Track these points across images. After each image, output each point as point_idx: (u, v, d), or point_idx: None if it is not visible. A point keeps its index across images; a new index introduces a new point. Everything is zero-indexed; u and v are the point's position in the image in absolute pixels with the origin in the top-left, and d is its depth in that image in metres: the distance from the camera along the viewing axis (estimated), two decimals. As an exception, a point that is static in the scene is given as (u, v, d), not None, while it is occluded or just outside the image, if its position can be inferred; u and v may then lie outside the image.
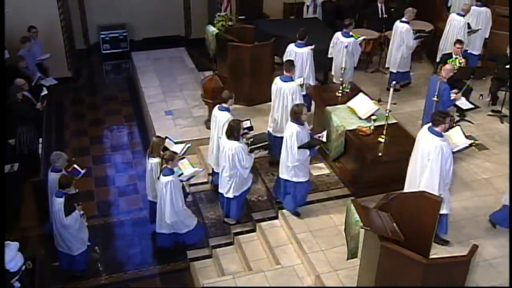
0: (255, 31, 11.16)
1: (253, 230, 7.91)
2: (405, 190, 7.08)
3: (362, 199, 7.59)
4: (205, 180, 8.99)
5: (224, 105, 8.04)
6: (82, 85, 13.00)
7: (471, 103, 9.36)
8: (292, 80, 8.53)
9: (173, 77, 12.01)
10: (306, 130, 7.52)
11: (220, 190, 7.81)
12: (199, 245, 7.86)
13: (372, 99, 8.87)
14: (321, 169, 8.77)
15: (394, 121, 8.48)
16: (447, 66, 8.69)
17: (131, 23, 14.14)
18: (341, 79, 9.37)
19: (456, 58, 10.00)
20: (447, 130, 7.03)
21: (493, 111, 10.50)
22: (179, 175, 7.48)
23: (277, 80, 8.61)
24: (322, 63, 10.31)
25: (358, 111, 8.48)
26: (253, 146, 7.63)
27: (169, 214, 7.29)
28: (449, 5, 12.80)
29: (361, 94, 8.81)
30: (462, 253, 5.69)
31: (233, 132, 7.34)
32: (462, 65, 9.92)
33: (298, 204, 7.81)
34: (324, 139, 7.72)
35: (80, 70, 13.39)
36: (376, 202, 6.47)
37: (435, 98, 8.39)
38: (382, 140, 7.96)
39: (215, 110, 8.17)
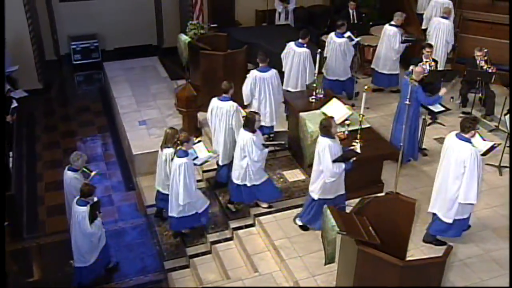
0: (227, 38, 11.15)
1: (230, 239, 7.87)
2: (434, 199, 7.14)
3: (338, 204, 7.66)
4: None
5: (225, 95, 8.16)
6: (54, 97, 12.82)
7: (442, 105, 9.49)
8: (269, 70, 8.92)
9: (146, 86, 11.92)
10: (338, 143, 7.27)
11: (233, 179, 7.81)
12: (208, 225, 8.03)
13: (345, 103, 8.94)
14: (297, 175, 8.79)
15: (368, 125, 8.57)
16: (417, 69, 8.82)
17: (102, 33, 14.02)
18: (314, 85, 9.41)
19: (426, 61, 10.16)
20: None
21: (463, 113, 10.66)
22: (194, 159, 7.48)
23: (255, 72, 8.93)
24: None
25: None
26: (268, 142, 7.55)
27: (182, 195, 7.27)
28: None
29: (334, 99, 8.86)
30: (437, 254, 5.76)
31: (248, 123, 7.39)
32: (432, 68, 10.09)
33: None
34: (359, 150, 7.31)
35: (51, 82, 13.20)
36: (352, 206, 6.52)
37: (407, 102, 8.48)
38: (356, 144, 8.01)
39: (216, 102, 8.20)
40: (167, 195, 7.68)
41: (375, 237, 5.90)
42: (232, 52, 10.41)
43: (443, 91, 8.77)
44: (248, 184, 7.73)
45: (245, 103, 9.07)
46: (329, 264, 6.24)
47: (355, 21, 12.31)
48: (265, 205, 8.07)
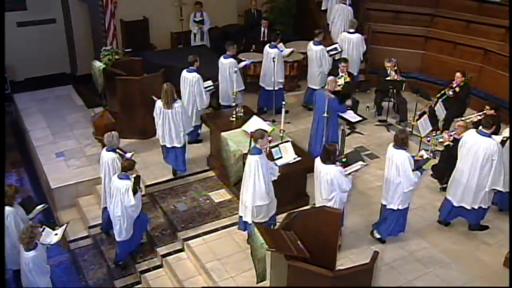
0: (143, 63, 10.98)
1: (160, 266, 7.68)
2: (461, 193, 7.61)
3: (266, 220, 7.68)
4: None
5: (191, 67, 9.47)
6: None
7: (359, 115, 9.83)
8: (231, 57, 10.08)
9: (61, 116, 11.46)
10: None
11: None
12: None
13: (266, 120, 9.02)
14: (223, 195, 8.73)
15: (289, 139, 8.66)
16: (329, 78, 9.06)
17: (10, 64, 13.32)
18: (234, 103, 9.44)
19: (342, 76, 10.48)
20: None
21: (379, 121, 11.09)
22: (277, 158, 7.36)
23: (221, 57, 10.15)
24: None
25: (253, 134, 8.56)
26: (350, 170, 7.20)
27: (251, 198, 7.05)
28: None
29: (254, 116, 8.91)
30: (365, 260, 5.89)
31: (329, 155, 6.98)
32: (347, 81, 10.42)
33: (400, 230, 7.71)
34: (427, 156, 7.58)
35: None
36: (279, 221, 6.55)
37: (325, 114, 8.71)
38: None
39: (184, 73, 9.54)
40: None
41: (304, 251, 5.94)
42: (148, 76, 10.26)
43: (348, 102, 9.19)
44: None
45: None
46: (261, 282, 6.22)
47: (265, 39, 12.55)
48: None
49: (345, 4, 12.62)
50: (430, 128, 9.26)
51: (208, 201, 8.60)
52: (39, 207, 7.62)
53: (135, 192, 7.24)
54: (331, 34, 12.85)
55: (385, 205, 7.51)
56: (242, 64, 10.45)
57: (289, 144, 7.77)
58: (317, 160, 7.11)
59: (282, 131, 8.13)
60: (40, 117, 11.46)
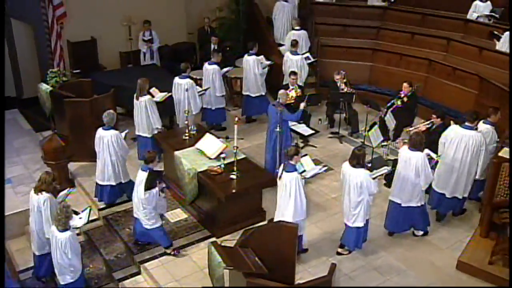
0: (92, 84, 10.79)
1: (116, 291, 7.49)
2: (453, 186, 8.10)
3: (223, 238, 7.65)
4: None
5: (183, 74, 10.08)
6: None
7: (311, 128, 9.93)
8: (215, 64, 10.72)
9: (7, 141, 11.03)
10: None
11: (345, 221, 7.53)
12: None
13: (219, 137, 8.99)
14: (179, 215, 8.62)
15: (243, 156, 8.66)
16: (280, 92, 9.12)
17: (-49, 89, 12.88)
18: (186, 122, 9.35)
19: (292, 88, 10.58)
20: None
21: (332, 133, 11.24)
22: (301, 172, 7.26)
23: (205, 63, 10.86)
24: (166, 107, 10.24)
25: (207, 152, 8.52)
26: (376, 174, 7.42)
27: (292, 213, 7.00)
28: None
29: (207, 134, 8.88)
30: (323, 273, 5.92)
31: (358, 159, 7.15)
32: (298, 95, 10.52)
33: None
34: (435, 156, 7.97)
35: None
36: (236, 238, 6.51)
37: (278, 129, 8.75)
38: (234, 177, 8.05)
39: (177, 79, 10.07)
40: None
41: (262, 267, 5.93)
42: (98, 97, 10.09)
43: (302, 105, 9.21)
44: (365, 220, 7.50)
45: None
46: (220, 302, 6.13)
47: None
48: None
49: (285, 1, 13.02)
50: (382, 138, 9.43)
51: (163, 221, 8.44)
52: (64, 191, 7.73)
53: (148, 187, 7.25)
54: (274, 32, 13.34)
55: (399, 204, 7.78)
56: (225, 70, 11.05)
57: (307, 157, 7.88)
58: (345, 165, 7.33)
59: (235, 147, 8.10)
60: (-16, 143, 11.05)
